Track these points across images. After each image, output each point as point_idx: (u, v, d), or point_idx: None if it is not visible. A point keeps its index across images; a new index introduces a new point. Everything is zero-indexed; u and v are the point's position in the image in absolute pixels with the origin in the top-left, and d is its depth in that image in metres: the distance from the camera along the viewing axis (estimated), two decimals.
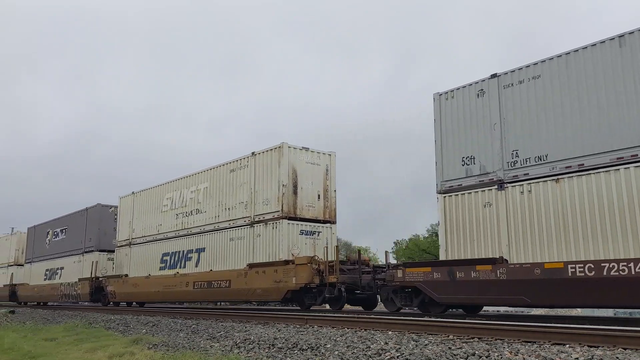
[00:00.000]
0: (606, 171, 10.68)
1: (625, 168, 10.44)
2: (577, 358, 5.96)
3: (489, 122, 12.91)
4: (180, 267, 22.19)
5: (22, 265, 39.53)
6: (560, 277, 10.74)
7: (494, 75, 13.01)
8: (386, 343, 7.74)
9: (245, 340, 9.21)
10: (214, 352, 8.23)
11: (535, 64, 12.26)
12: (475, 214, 12.77)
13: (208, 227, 21.04)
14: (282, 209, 17.96)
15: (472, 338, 7.98)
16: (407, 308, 14.40)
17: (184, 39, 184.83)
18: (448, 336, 8.33)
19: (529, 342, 7.29)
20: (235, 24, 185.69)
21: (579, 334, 7.16)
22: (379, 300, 16.89)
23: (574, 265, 10.63)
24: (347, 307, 17.88)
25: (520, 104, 12.36)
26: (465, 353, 6.51)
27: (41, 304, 36.66)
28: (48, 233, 35.74)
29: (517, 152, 12.26)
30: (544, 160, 11.74)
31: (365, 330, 9.92)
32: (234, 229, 19.80)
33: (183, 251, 22.23)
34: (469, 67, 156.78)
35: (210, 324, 13.08)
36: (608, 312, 19.23)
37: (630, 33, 10.80)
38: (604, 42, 11.18)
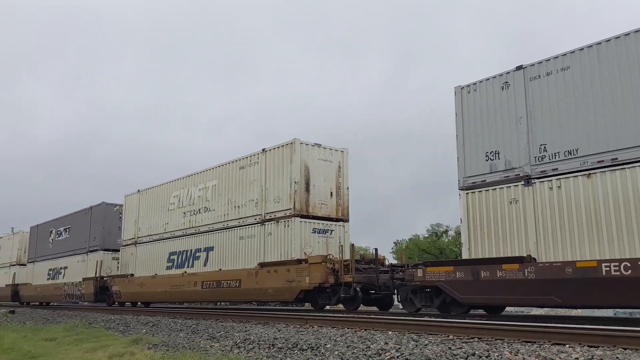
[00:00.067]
0: None
1: None
2: (577, 358, 5.93)
3: (514, 115, 12.44)
4: (188, 267, 21.71)
5: (25, 264, 39.05)
6: (593, 276, 10.26)
7: (519, 67, 12.53)
8: (386, 343, 7.72)
9: (245, 340, 9.19)
10: (214, 352, 8.24)
11: (564, 55, 11.78)
12: (501, 210, 12.29)
13: (217, 225, 20.57)
14: (294, 207, 17.49)
15: (472, 338, 7.95)
16: (427, 309, 13.90)
17: (184, 39, 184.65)
18: (448, 336, 8.30)
19: (529, 342, 7.26)
20: (235, 24, 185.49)
21: (579, 334, 7.14)
22: (395, 300, 16.41)
23: (608, 264, 10.14)
24: (361, 307, 17.40)
25: (548, 97, 11.88)
26: (465, 353, 6.49)
27: (43, 304, 36.21)
28: (51, 232, 35.28)
29: (545, 147, 11.79)
30: (574, 154, 11.26)
31: (365, 330, 9.87)
32: (244, 227, 19.32)
33: (191, 250, 21.76)
34: (469, 67, 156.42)
35: (210, 324, 13.00)
36: (608, 312, 19.06)
37: None
38: (638, 31, 10.71)
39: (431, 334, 8.61)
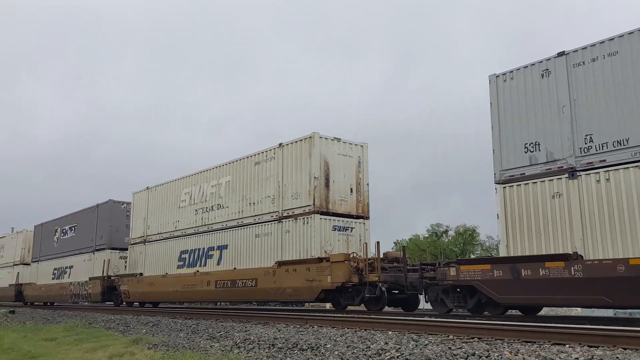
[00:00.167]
0: None
1: None
2: (577, 358, 5.92)
3: (556, 104, 11.72)
4: (200, 266, 20.99)
5: (29, 264, 38.31)
6: None
7: (561, 54, 11.81)
8: (386, 343, 7.72)
9: (245, 340, 9.19)
10: (214, 352, 8.23)
11: (611, 39, 11.07)
12: (542, 205, 11.57)
13: (231, 223, 19.85)
14: (313, 203, 16.77)
15: (472, 338, 7.94)
16: (460, 310, 13.17)
17: (184, 39, 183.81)
18: (448, 336, 8.29)
19: (529, 342, 7.25)
20: (235, 24, 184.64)
21: (579, 334, 7.13)
22: (422, 301, 15.69)
23: None
24: (385, 308, 16.67)
25: (594, 84, 11.17)
26: (465, 353, 6.48)
27: (48, 304, 35.50)
28: (56, 231, 34.57)
29: (591, 137, 11.07)
30: (624, 145, 10.55)
31: (365, 330, 9.86)
32: (259, 224, 18.61)
33: (203, 248, 21.04)
34: (469, 67, 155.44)
35: (210, 324, 12.95)
36: (608, 312, 18.80)
37: None
38: None
39: (431, 334, 8.61)
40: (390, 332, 9.24)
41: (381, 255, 16.23)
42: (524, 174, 12.01)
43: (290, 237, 17.40)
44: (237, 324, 12.79)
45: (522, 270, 11.24)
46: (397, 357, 6.68)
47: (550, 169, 11.57)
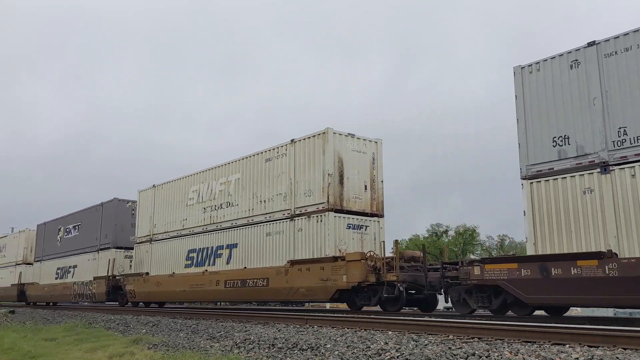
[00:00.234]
0: None
1: None
2: (577, 358, 5.90)
3: (586, 96, 11.25)
4: (209, 265, 20.52)
5: (31, 264, 37.85)
6: None
7: (591, 44, 11.34)
8: (386, 343, 7.70)
9: (245, 340, 9.17)
10: (214, 352, 8.23)
11: None
12: (572, 201, 11.09)
13: (241, 221, 19.38)
14: (327, 201, 16.30)
15: (472, 338, 7.92)
16: (483, 310, 12.69)
17: (184, 39, 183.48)
18: (448, 336, 8.27)
19: (529, 342, 7.22)
20: (235, 24, 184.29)
21: (579, 334, 7.11)
22: (441, 300, 15.22)
23: None
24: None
25: (628, 74, 10.70)
26: (465, 353, 6.47)
27: (50, 304, 35.03)
28: (59, 230, 34.10)
29: (624, 130, 10.60)
30: None
31: (365, 330, 9.85)
32: (271, 222, 18.14)
33: (212, 247, 20.57)
34: (469, 67, 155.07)
35: (210, 324, 12.94)
36: (608, 312, 18.54)
37: None
38: None
39: (431, 334, 8.59)
40: (390, 332, 9.21)
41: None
42: (552, 168, 11.54)
43: (303, 235, 16.93)
44: (237, 324, 12.74)
45: (552, 269, 10.76)
46: (397, 357, 6.64)
47: (581, 163, 11.09)
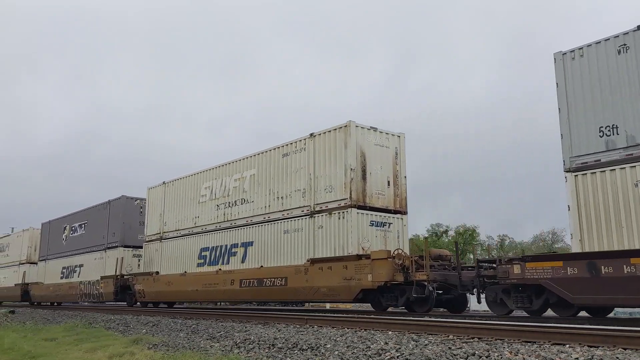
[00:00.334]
0: None
1: None
2: (577, 358, 5.90)
3: (636, 82, 10.55)
4: (222, 264, 19.82)
5: (36, 263, 37.16)
6: None
7: None
8: (386, 343, 7.71)
9: (245, 340, 9.19)
10: (214, 352, 8.23)
11: None
12: (623, 194, 10.38)
13: (256, 218, 18.69)
14: (350, 197, 15.61)
15: (472, 338, 7.91)
16: (522, 311, 11.98)
17: (184, 39, 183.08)
18: (448, 336, 8.26)
19: (529, 342, 7.22)
20: (235, 24, 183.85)
21: (579, 334, 7.09)
22: (471, 300, 14.52)
23: None
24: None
25: None
26: (465, 353, 6.47)
27: (55, 304, 34.35)
28: (65, 228, 33.42)
29: None
30: None
31: (365, 330, 9.88)
32: (289, 220, 17.44)
33: (226, 245, 19.87)
34: (469, 67, 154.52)
35: (210, 324, 12.97)
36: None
37: None
38: None
39: (431, 334, 8.60)
40: (390, 332, 9.23)
41: (420, 253, 15.08)
42: (599, 160, 10.84)
43: (323, 232, 16.23)
44: (237, 324, 12.75)
45: (602, 267, 10.05)
46: (397, 357, 6.64)
47: (632, 154, 10.39)
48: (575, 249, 10.88)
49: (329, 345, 7.83)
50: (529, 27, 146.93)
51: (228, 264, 19.58)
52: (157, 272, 23.27)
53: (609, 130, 10.78)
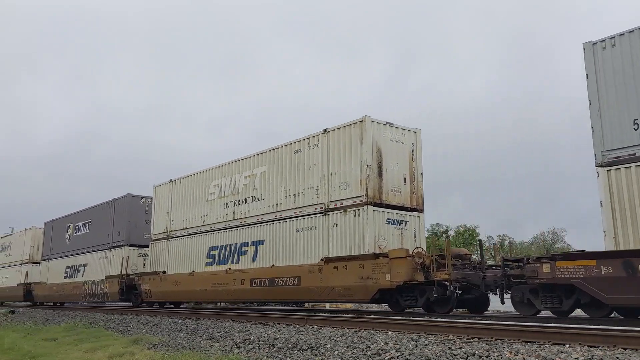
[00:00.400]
0: None
1: None
2: (577, 358, 5.90)
3: None
4: (232, 263, 19.36)
5: (38, 263, 36.74)
6: None
7: None
8: (386, 343, 7.71)
9: (245, 340, 9.19)
10: (214, 352, 8.22)
11: None
12: None
13: (267, 216, 18.23)
14: (366, 194, 15.14)
15: (472, 338, 7.91)
16: (551, 312, 11.50)
17: (184, 39, 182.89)
18: (448, 336, 8.25)
19: (529, 342, 7.21)
20: (235, 24, 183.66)
21: (579, 334, 7.07)
22: (491, 300, 14.04)
23: None
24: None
25: None
26: (465, 353, 6.47)
27: (57, 304, 33.91)
28: (69, 227, 32.99)
29: None
30: None
31: (365, 330, 9.89)
32: (301, 218, 16.97)
33: (236, 244, 19.41)
34: (469, 67, 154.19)
35: (210, 324, 12.97)
36: None
37: None
38: None
39: (431, 334, 8.60)
40: (390, 332, 9.23)
41: (442, 252, 14.62)
42: (634, 154, 10.37)
43: (338, 231, 15.77)
44: (237, 324, 12.76)
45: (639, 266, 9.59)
46: (397, 357, 6.65)
47: None
48: (609, 247, 10.42)
49: (329, 345, 7.83)
50: (529, 27, 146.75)
51: (238, 263, 19.11)
52: (164, 272, 22.81)
53: None
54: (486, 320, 10.18)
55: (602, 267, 10.07)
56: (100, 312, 20.83)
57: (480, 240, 13.06)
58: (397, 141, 16.22)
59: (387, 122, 16.14)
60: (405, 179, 16.15)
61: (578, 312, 16.96)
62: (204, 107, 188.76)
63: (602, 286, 10.04)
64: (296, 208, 17.23)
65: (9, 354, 9.70)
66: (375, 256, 14.41)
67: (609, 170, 10.64)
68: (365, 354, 6.94)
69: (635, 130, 10.41)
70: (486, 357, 6.24)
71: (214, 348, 8.66)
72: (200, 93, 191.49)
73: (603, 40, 11.18)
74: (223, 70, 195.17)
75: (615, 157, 10.61)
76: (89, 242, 29.95)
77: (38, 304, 35.53)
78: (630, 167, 10.37)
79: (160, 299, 23.22)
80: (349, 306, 25.85)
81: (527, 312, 11.73)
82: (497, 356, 6.22)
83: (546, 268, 10.92)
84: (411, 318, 10.93)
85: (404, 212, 15.87)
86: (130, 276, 25.14)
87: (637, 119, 10.43)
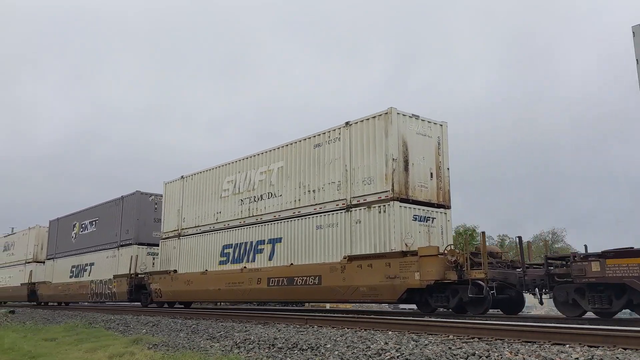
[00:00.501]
0: None
1: None
2: (577, 358, 5.88)
3: None
4: (247, 261, 18.66)
5: (43, 262, 36.06)
6: None
7: None
8: (386, 343, 7.70)
9: (245, 340, 9.19)
10: (214, 352, 8.23)
11: None
12: None
13: (285, 213, 17.53)
14: (392, 189, 14.46)
15: (472, 338, 7.90)
16: (599, 313, 10.80)
17: (184, 39, 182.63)
18: (448, 336, 8.25)
19: (529, 342, 7.20)
20: (235, 24, 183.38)
21: (579, 334, 7.07)
22: (528, 300, 13.33)
23: None
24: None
25: None
26: (465, 353, 6.45)
27: (62, 304, 33.22)
28: (74, 226, 32.31)
29: None
30: None
31: (365, 330, 9.89)
32: (322, 214, 16.28)
33: (251, 242, 18.71)
34: (469, 67, 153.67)
35: (210, 324, 12.99)
36: None
37: None
38: None
39: (431, 334, 8.60)
40: (390, 332, 9.24)
41: (473, 249, 13.93)
42: None
43: (361, 228, 15.08)
44: (237, 324, 12.79)
45: None
46: (397, 357, 6.66)
47: None
48: None
49: (329, 345, 7.84)
50: (529, 27, 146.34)
51: (254, 261, 18.42)
52: (175, 271, 22.12)
53: None
54: (486, 320, 10.16)
55: None
56: (101, 312, 20.69)
57: (519, 237, 12.29)
58: (423, 134, 15.54)
59: (412, 115, 15.47)
60: (431, 173, 15.46)
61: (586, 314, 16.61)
62: (204, 107, 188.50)
63: None
64: (316, 204, 16.55)
65: (9, 354, 9.69)
66: (403, 254, 13.73)
67: None
68: (365, 354, 6.96)
69: None
70: (486, 357, 6.23)
71: (214, 348, 8.69)
72: (200, 93, 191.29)
73: None
74: (223, 70, 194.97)
75: None
76: (96, 240, 29.26)
77: (42, 303, 34.84)
78: None
79: (171, 298, 22.53)
80: (348, 306, 25.29)
81: (571, 312, 11.03)
82: (497, 356, 6.22)
83: (595, 266, 10.22)
84: (411, 318, 10.89)
85: (430, 209, 15.18)
86: (139, 275, 24.45)
87: None
